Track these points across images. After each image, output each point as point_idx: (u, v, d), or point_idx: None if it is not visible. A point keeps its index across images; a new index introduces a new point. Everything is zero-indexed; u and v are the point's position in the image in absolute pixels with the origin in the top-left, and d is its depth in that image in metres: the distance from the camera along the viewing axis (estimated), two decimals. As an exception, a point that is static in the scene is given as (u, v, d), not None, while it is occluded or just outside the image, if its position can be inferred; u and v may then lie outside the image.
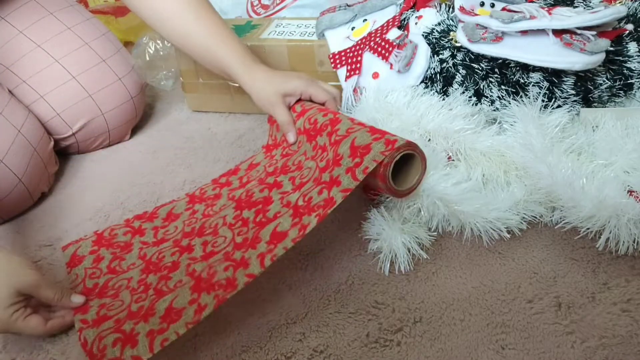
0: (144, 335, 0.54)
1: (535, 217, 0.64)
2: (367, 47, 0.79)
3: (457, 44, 0.72)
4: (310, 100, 0.75)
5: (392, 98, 0.72)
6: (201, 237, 0.66)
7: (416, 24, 0.79)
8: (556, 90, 0.68)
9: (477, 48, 0.69)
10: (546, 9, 0.67)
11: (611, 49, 0.66)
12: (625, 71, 0.68)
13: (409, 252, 0.62)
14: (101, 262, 0.67)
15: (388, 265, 0.62)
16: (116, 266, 0.66)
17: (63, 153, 0.92)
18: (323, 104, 0.74)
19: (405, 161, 0.60)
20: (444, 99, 0.72)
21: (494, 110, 0.71)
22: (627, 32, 0.69)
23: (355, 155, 0.59)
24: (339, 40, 0.85)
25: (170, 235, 0.70)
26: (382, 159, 0.57)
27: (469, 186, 0.63)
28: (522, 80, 0.69)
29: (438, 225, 0.64)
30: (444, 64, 0.73)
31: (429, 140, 0.68)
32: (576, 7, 0.69)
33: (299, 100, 0.75)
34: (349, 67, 0.81)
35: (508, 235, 0.63)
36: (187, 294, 0.57)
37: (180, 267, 0.62)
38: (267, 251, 0.58)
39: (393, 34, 0.78)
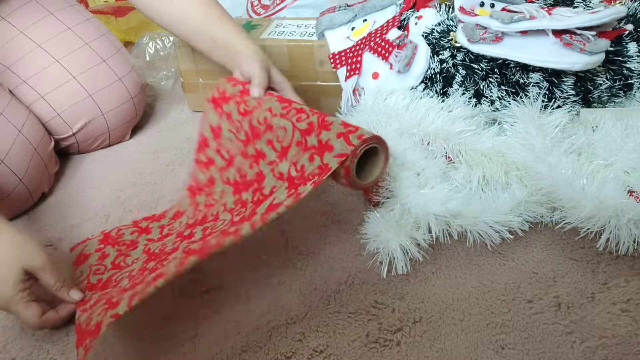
0: (127, 298, 0.52)
1: (536, 218, 0.64)
2: (367, 47, 0.79)
3: (457, 44, 0.72)
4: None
5: (390, 101, 0.72)
6: (202, 225, 0.67)
7: (416, 24, 0.79)
8: (556, 90, 0.68)
9: (477, 48, 0.69)
10: (546, 9, 0.67)
11: (611, 49, 0.66)
12: (625, 71, 0.68)
13: (408, 254, 0.62)
14: (106, 259, 0.67)
15: (386, 268, 0.62)
16: (121, 262, 0.66)
17: (63, 153, 0.92)
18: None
19: (368, 154, 0.60)
20: (443, 100, 0.72)
21: (494, 110, 0.71)
22: (627, 32, 0.69)
23: (346, 125, 0.59)
24: (339, 40, 0.85)
25: (175, 230, 0.70)
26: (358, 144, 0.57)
27: (464, 196, 0.63)
28: (522, 81, 0.69)
29: (439, 233, 0.64)
30: (444, 64, 0.73)
31: (429, 143, 0.68)
32: (576, 7, 0.69)
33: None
34: (349, 67, 0.81)
35: (511, 237, 0.63)
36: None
37: (179, 249, 0.63)
38: (264, 212, 0.58)
39: (393, 34, 0.78)
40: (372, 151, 0.60)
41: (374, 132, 0.70)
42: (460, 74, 0.72)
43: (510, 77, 0.69)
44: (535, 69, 0.68)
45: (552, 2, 0.71)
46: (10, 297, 0.55)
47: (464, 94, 0.72)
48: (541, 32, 0.66)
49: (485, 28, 0.68)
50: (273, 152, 0.65)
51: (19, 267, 0.55)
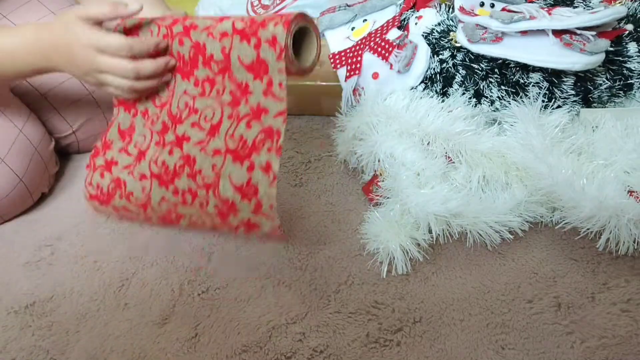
0: (250, 212, 0.52)
1: (536, 218, 0.64)
2: (367, 47, 0.79)
3: (457, 44, 0.72)
4: None
5: (390, 101, 0.72)
6: (183, 124, 0.59)
7: (416, 24, 0.79)
8: (556, 90, 0.68)
9: (477, 48, 0.69)
10: (546, 9, 0.67)
11: (611, 49, 0.66)
12: (625, 71, 0.68)
13: (408, 254, 0.62)
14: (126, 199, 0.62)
15: (386, 268, 0.62)
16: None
17: (63, 152, 0.92)
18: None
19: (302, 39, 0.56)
20: (443, 100, 0.72)
21: (494, 110, 0.71)
22: (627, 32, 0.69)
23: (258, 76, 0.53)
24: (339, 40, 0.85)
25: (144, 144, 0.63)
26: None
27: (464, 196, 0.63)
28: (522, 81, 0.69)
29: (439, 232, 0.64)
30: (444, 64, 0.73)
31: (429, 143, 0.68)
32: (576, 7, 0.69)
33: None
34: (348, 67, 0.81)
35: (511, 237, 0.63)
36: (237, 168, 0.53)
37: (197, 156, 0.56)
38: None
39: (393, 34, 0.78)
40: (305, 36, 0.56)
41: (374, 132, 0.71)
42: (460, 74, 0.72)
43: (510, 77, 0.69)
44: (535, 69, 0.68)
45: (552, 2, 0.71)
46: (89, 52, 0.56)
47: (464, 94, 0.72)
48: (541, 32, 0.66)
49: (485, 28, 0.68)
50: (205, 21, 0.58)
51: (72, 19, 0.57)
